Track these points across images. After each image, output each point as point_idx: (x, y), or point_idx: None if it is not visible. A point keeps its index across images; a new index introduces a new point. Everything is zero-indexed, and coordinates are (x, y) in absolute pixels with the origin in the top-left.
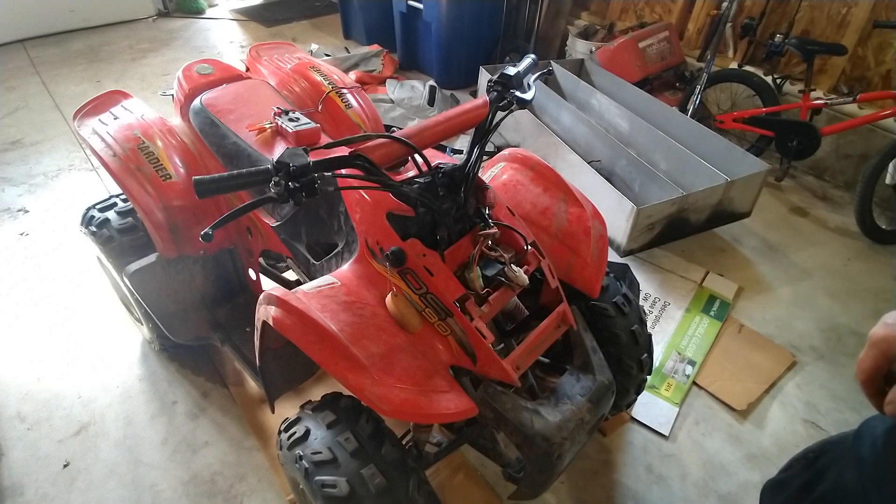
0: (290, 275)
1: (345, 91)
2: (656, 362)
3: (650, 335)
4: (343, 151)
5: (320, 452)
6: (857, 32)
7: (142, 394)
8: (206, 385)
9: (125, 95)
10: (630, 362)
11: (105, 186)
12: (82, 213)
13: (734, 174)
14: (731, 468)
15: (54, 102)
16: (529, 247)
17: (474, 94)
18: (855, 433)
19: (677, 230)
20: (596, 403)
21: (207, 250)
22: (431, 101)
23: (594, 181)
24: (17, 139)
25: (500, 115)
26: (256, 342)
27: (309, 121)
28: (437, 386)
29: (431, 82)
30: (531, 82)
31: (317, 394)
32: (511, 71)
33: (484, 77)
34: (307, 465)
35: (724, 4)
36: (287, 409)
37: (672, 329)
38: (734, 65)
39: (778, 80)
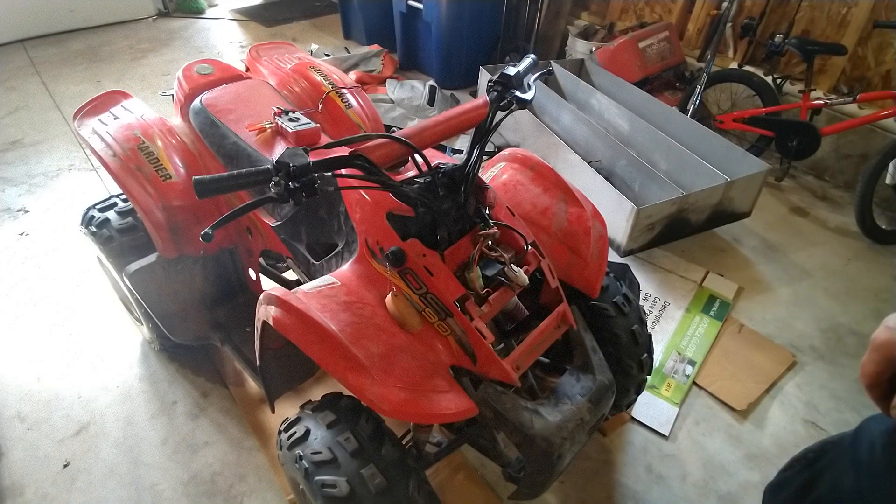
0: (290, 275)
1: (345, 91)
2: (656, 362)
3: (650, 335)
4: (343, 151)
5: (320, 452)
6: (857, 32)
7: (142, 394)
8: (206, 385)
9: (125, 95)
10: (630, 362)
11: (105, 186)
12: (82, 213)
13: (734, 174)
14: (731, 468)
15: (54, 102)
16: (529, 247)
17: (474, 94)
18: (853, 434)
19: (677, 230)
20: (596, 403)
21: (207, 250)
22: (431, 101)
23: (594, 181)
24: (17, 139)
25: (500, 115)
26: (256, 342)
27: (309, 121)
28: (437, 386)
29: (431, 82)
30: (531, 82)
31: (317, 394)
32: (511, 71)
33: (484, 77)
34: (307, 465)
35: (724, 4)
36: (287, 409)
37: (672, 329)
38: (734, 65)
39: (778, 80)
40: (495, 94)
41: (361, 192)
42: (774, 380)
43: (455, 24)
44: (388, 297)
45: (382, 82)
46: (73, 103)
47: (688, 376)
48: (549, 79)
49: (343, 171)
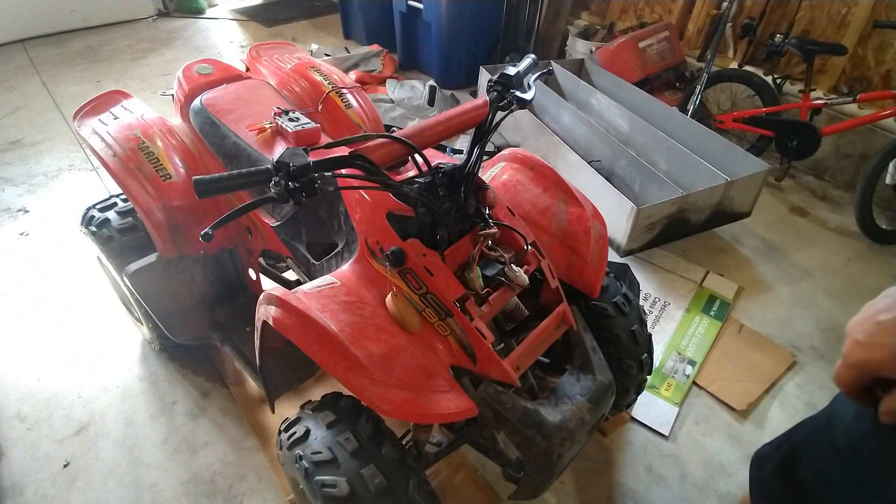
0: (290, 275)
1: (345, 91)
2: (656, 362)
3: (650, 335)
4: (343, 151)
5: (320, 452)
6: (857, 32)
7: (142, 394)
8: (206, 385)
9: (125, 95)
10: (630, 362)
11: (105, 186)
12: (82, 213)
13: (734, 174)
14: (731, 468)
15: (54, 102)
16: (529, 247)
17: (474, 94)
18: (826, 419)
19: (677, 230)
20: (596, 403)
21: (207, 250)
22: (431, 101)
23: (594, 181)
24: (17, 139)
25: (500, 115)
26: (256, 342)
27: (309, 121)
28: (437, 386)
29: (431, 82)
30: (531, 82)
31: (317, 394)
32: (511, 71)
33: (484, 77)
34: (307, 465)
35: (724, 4)
36: (287, 409)
37: (672, 329)
38: (734, 65)
39: (778, 80)
40: (495, 94)
41: (361, 192)
42: (774, 380)
43: (455, 24)
44: (388, 297)
45: (382, 82)
46: (73, 103)
47: (688, 376)
48: (549, 79)
49: (343, 171)
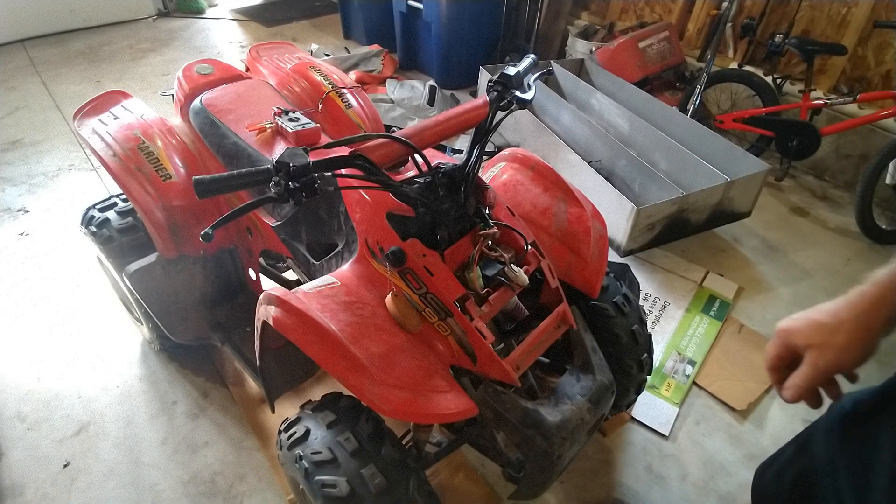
0: (290, 275)
1: (345, 91)
2: (656, 362)
3: (650, 335)
4: (343, 151)
5: (320, 452)
6: (857, 32)
7: (142, 394)
8: (206, 385)
9: (125, 95)
10: (630, 362)
11: (105, 186)
12: (82, 213)
13: (734, 174)
14: (731, 468)
15: (54, 102)
16: (529, 247)
17: (474, 94)
18: (806, 438)
19: (677, 230)
20: (596, 403)
21: (207, 250)
22: (431, 101)
23: (594, 181)
24: (17, 139)
25: (500, 115)
26: (256, 342)
27: (309, 121)
28: (437, 386)
29: (431, 82)
30: (531, 82)
31: (317, 394)
32: (511, 71)
33: (484, 77)
34: (307, 465)
35: (724, 4)
36: (287, 409)
37: (672, 329)
38: (734, 65)
39: (778, 80)
40: (495, 94)
41: (361, 192)
42: None
43: (455, 24)
44: (388, 298)
45: (382, 82)
46: (73, 103)
47: (688, 376)
48: (549, 79)
49: (343, 171)
